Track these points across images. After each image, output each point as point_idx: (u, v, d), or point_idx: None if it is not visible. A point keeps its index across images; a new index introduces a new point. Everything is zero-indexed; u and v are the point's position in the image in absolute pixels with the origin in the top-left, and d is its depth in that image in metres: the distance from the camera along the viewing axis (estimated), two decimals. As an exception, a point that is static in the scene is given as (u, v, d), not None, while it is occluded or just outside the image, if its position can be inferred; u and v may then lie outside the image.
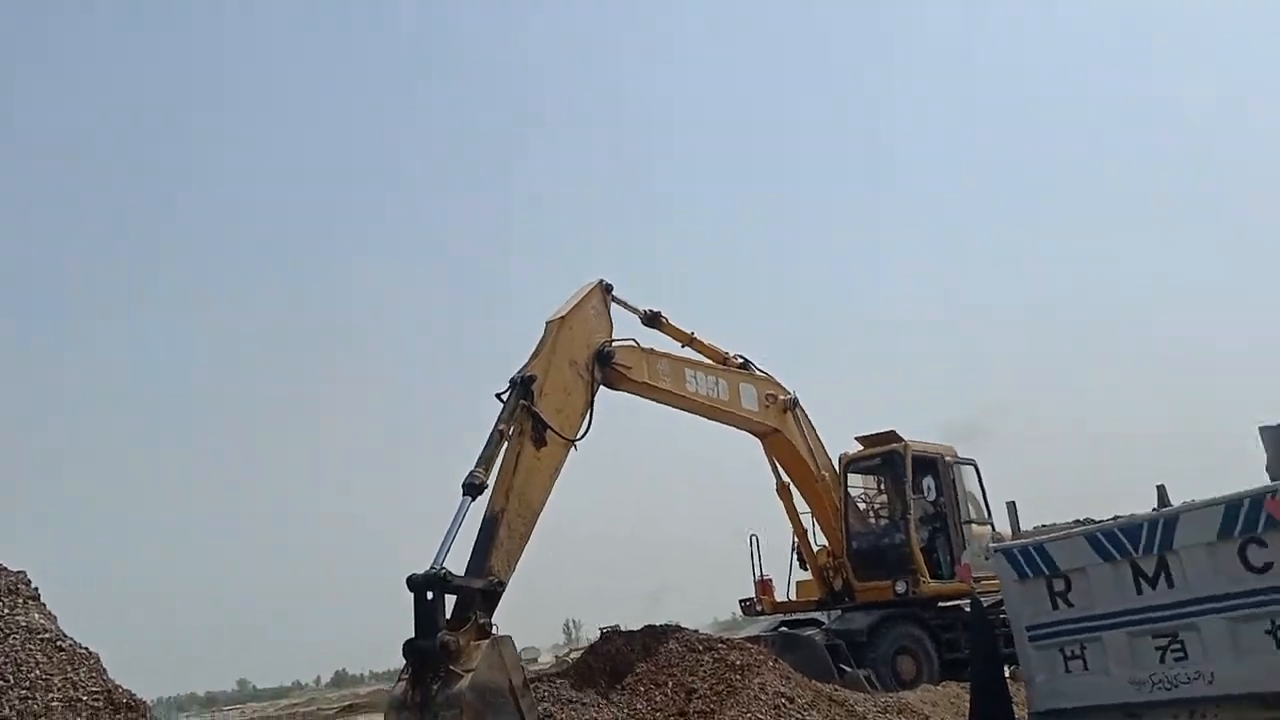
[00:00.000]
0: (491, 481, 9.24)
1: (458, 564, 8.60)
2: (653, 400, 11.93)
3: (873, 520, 15.20)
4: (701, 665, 9.28)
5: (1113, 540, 6.20)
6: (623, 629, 10.72)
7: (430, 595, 8.10)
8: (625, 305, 12.13)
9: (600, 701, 8.90)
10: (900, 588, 13.44)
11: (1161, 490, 8.57)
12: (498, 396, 9.91)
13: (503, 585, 8.97)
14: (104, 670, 6.05)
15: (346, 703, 57.17)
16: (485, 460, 9.32)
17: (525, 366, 10.21)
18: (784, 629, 13.92)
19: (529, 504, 9.66)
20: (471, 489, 9.16)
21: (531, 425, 9.70)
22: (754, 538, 15.18)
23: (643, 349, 11.66)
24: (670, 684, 9.01)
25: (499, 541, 9.13)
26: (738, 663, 9.25)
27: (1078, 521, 7.15)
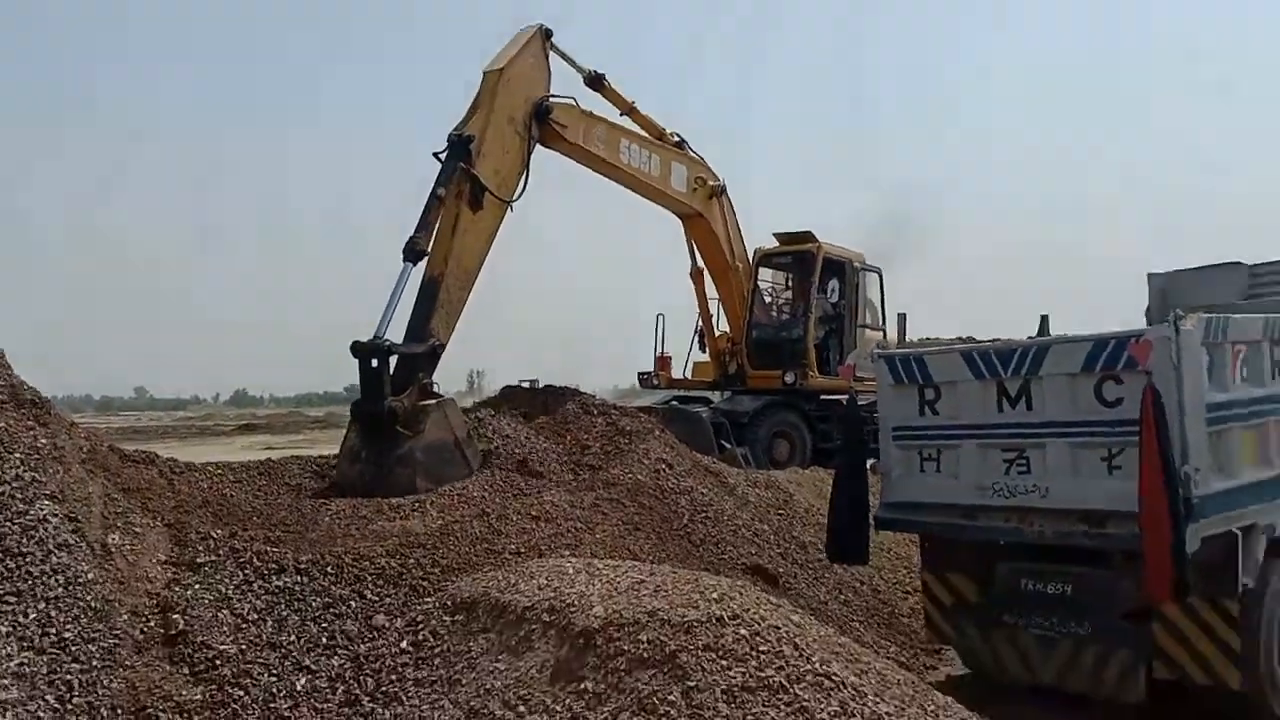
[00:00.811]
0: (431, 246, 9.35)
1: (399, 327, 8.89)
2: (584, 165, 11.88)
3: (775, 314, 15.76)
4: (595, 426, 9.83)
5: (986, 360, 6.65)
6: (540, 384, 11.18)
7: (375, 362, 8.40)
8: (567, 59, 11.80)
9: (529, 433, 9.43)
10: (789, 378, 14.16)
11: (1044, 319, 9.15)
12: (435, 156, 9.77)
13: (443, 346, 9.32)
14: (9, 366, 6.07)
15: (244, 422, 58.26)
16: (424, 225, 9.36)
17: (463, 123, 9.99)
18: (675, 403, 14.63)
19: (466, 267, 9.80)
20: (412, 254, 9.27)
21: (469, 188, 9.66)
22: (660, 316, 15.68)
23: (581, 110, 11.48)
24: (568, 438, 9.56)
25: (439, 304, 9.36)
26: (628, 428, 9.83)
27: (960, 339, 7.64)
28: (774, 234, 15.62)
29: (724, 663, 4.21)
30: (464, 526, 6.74)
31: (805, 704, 4.00)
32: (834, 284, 15.20)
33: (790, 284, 15.96)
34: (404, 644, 5.37)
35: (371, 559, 6.10)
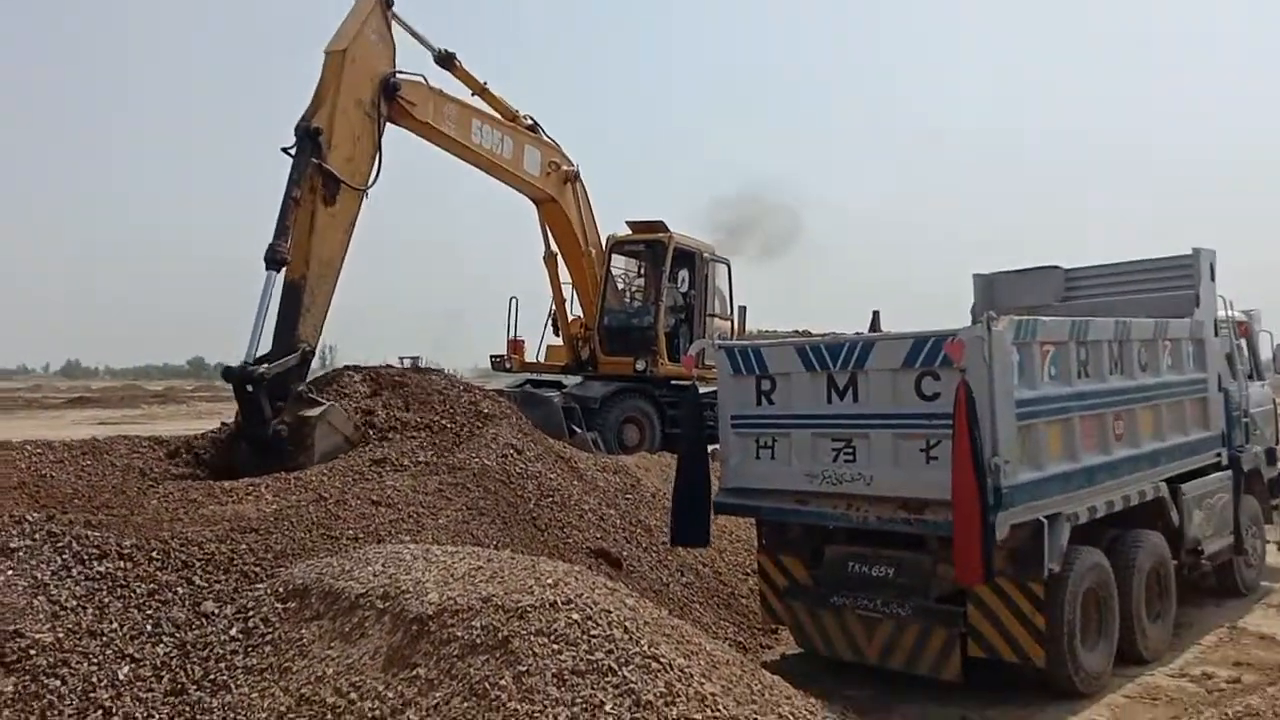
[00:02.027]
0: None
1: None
2: (436, 145, 11.71)
3: (627, 301, 15.95)
4: (460, 405, 9.74)
5: (817, 354, 6.94)
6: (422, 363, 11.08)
7: (250, 387, 8.44)
8: (415, 34, 11.56)
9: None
10: (640, 365, 14.38)
11: (875, 315, 9.59)
12: (285, 151, 9.43)
13: (313, 350, 9.14)
14: None
15: (76, 395, 55.01)
16: (283, 230, 9.09)
17: (309, 112, 9.67)
18: (528, 387, 14.64)
19: (328, 265, 9.57)
20: (274, 263, 9.01)
21: (323, 182, 9.39)
22: (514, 300, 15.66)
23: (431, 88, 11.28)
24: (434, 414, 9.44)
25: (304, 309, 9.15)
26: (485, 411, 9.79)
27: (796, 332, 7.95)
28: (626, 222, 15.80)
29: (555, 647, 4.29)
30: (300, 511, 6.61)
31: (632, 685, 4.12)
32: (684, 274, 15.50)
33: (642, 272, 16.17)
34: (233, 631, 5.25)
35: (200, 544, 5.92)
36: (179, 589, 5.57)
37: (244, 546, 6.05)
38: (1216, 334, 9.10)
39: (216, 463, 8.87)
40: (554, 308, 15.61)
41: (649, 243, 15.50)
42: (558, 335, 15.79)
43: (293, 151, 9.34)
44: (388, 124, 10.50)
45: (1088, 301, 9.66)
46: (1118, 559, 7.24)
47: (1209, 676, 7.15)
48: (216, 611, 5.44)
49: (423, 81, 11.07)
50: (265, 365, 8.63)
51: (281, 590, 5.38)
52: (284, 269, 9.05)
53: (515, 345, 15.74)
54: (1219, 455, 8.98)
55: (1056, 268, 10.21)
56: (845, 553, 7.27)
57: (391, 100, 10.42)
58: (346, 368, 10.47)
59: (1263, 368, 10.81)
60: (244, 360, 8.65)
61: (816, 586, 7.38)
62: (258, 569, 5.90)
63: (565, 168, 14.02)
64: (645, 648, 4.37)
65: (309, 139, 9.31)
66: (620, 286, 15.91)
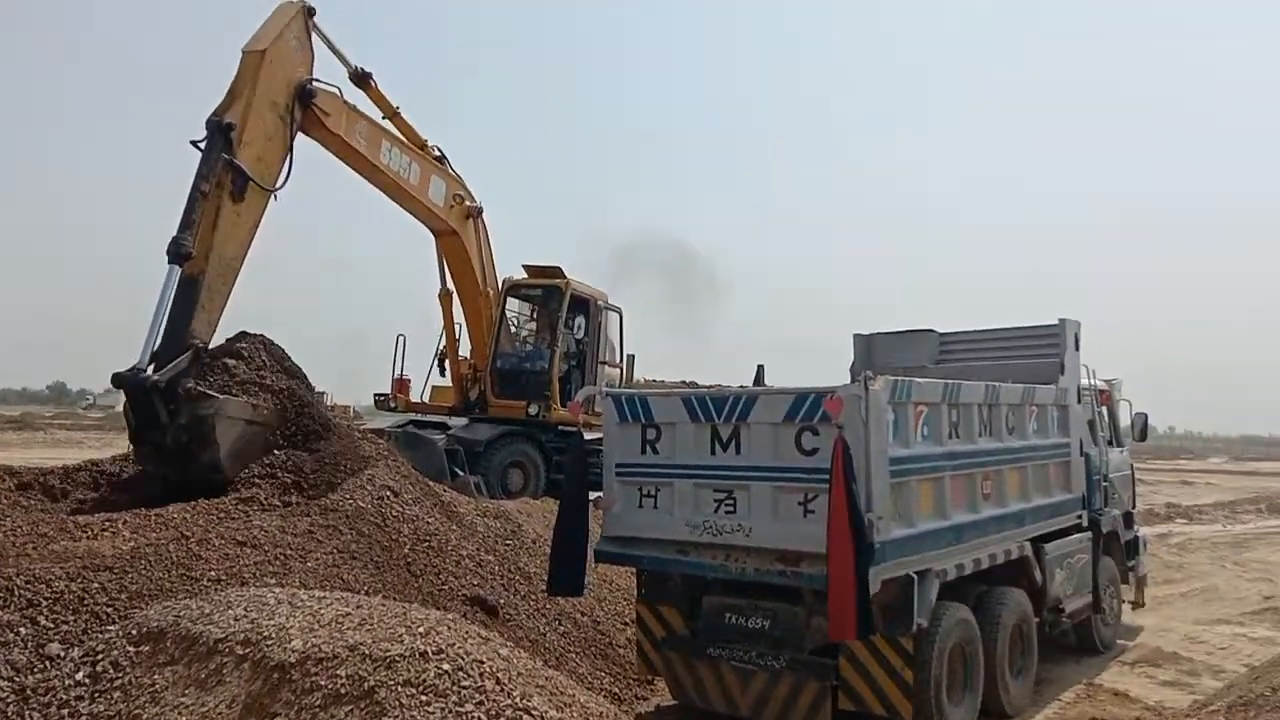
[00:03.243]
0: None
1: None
2: (343, 160, 11.61)
3: (520, 344, 15.87)
4: (331, 444, 9.41)
5: (703, 405, 7.01)
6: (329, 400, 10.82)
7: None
8: (333, 48, 11.48)
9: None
10: (533, 410, 14.31)
11: (760, 369, 9.75)
12: (194, 144, 9.25)
13: (206, 347, 8.86)
14: None
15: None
16: (188, 224, 8.93)
17: (222, 107, 9.52)
18: (411, 428, 14.38)
19: (228, 262, 9.36)
20: (177, 256, 8.81)
21: (231, 178, 9.23)
22: (401, 337, 15.43)
23: (345, 101, 11.26)
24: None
25: (200, 305, 8.93)
26: (363, 452, 9.52)
27: (684, 382, 8.02)
28: (523, 265, 15.78)
29: (424, 698, 4.17)
30: (159, 550, 6.29)
31: (502, 739, 4.03)
32: (579, 320, 15.52)
33: (535, 316, 16.14)
34: (80, 675, 4.96)
35: (48, 581, 5.59)
36: (21, 629, 5.25)
37: (96, 585, 5.73)
38: (1079, 401, 9.54)
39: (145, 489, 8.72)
40: (444, 347, 15.42)
41: (546, 288, 15.50)
42: (444, 375, 15.58)
43: (202, 145, 9.16)
44: (299, 134, 10.35)
45: (960, 365, 10.04)
46: (983, 615, 7.47)
47: (1066, 732, 7.40)
48: (62, 654, 5.14)
49: (338, 94, 10.98)
50: (154, 370, 8.46)
51: (135, 633, 5.11)
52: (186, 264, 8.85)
53: (401, 384, 15.47)
54: (1080, 517, 9.38)
55: (931, 331, 10.59)
56: (723, 604, 7.30)
57: (306, 107, 10.31)
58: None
59: (1121, 435, 11.38)
60: (136, 363, 8.48)
61: (693, 637, 7.39)
62: (110, 610, 5.59)
63: (469, 203, 13.98)
64: (517, 700, 4.28)
65: (220, 133, 9.19)
66: (513, 330, 15.83)
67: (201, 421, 8.35)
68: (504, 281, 15.35)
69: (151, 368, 8.52)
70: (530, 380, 14.83)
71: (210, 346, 9.05)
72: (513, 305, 15.79)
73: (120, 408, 9.14)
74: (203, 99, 9.91)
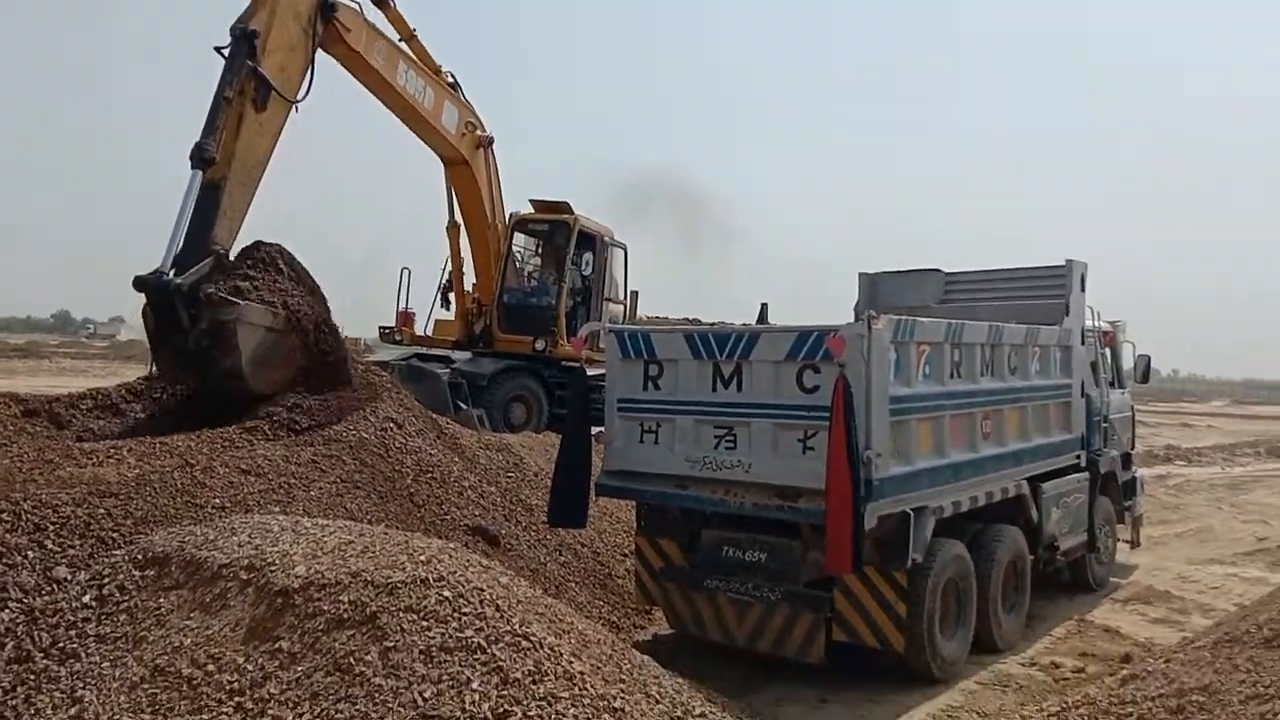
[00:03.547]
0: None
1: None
2: (360, 80, 11.55)
3: (526, 279, 15.84)
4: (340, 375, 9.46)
5: (705, 343, 7.03)
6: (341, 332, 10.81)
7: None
8: None
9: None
10: (540, 345, 14.35)
11: (763, 307, 9.75)
12: (218, 50, 9.19)
13: (227, 253, 8.85)
14: None
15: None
16: (212, 129, 8.92)
17: (246, 16, 9.45)
18: (415, 360, 14.42)
19: (250, 169, 9.36)
20: (200, 161, 8.80)
21: (255, 85, 9.17)
22: (406, 270, 15.38)
23: (365, 19, 11.20)
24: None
25: (221, 211, 8.92)
26: (370, 381, 9.59)
27: (687, 319, 8.03)
28: (530, 201, 15.66)
29: (425, 624, 4.25)
30: (163, 477, 6.36)
31: (501, 663, 4.11)
32: (586, 256, 15.47)
33: (541, 252, 16.07)
34: (86, 598, 5.04)
35: (55, 507, 5.66)
36: (29, 553, 5.32)
37: (102, 511, 5.80)
38: (1083, 342, 9.54)
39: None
40: (448, 280, 15.39)
41: (554, 223, 15.41)
42: (448, 309, 15.58)
43: (226, 52, 9.11)
44: (318, 50, 10.29)
45: (965, 305, 10.01)
46: (978, 552, 7.56)
47: (1056, 666, 7.54)
48: (69, 578, 5.22)
49: (359, 10, 10.88)
50: (175, 274, 8.43)
51: (140, 557, 5.18)
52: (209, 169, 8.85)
53: (405, 317, 15.49)
54: (1078, 457, 9.44)
55: (937, 271, 10.55)
56: (721, 537, 7.39)
57: (328, 21, 10.19)
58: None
59: (1124, 376, 11.40)
60: (159, 266, 8.46)
61: (691, 569, 7.50)
62: (116, 535, 5.67)
63: (480, 132, 13.89)
64: (516, 626, 4.36)
65: (245, 40, 9.13)
66: (519, 265, 15.78)
67: (223, 327, 8.32)
68: (511, 216, 15.26)
69: (173, 271, 8.48)
70: (536, 315, 14.83)
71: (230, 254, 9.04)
72: (519, 240, 15.72)
73: (122, 334, 9.19)
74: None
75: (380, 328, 15.70)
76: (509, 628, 4.34)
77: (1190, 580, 10.59)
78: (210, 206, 8.84)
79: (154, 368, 9.34)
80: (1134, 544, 11.32)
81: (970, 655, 7.40)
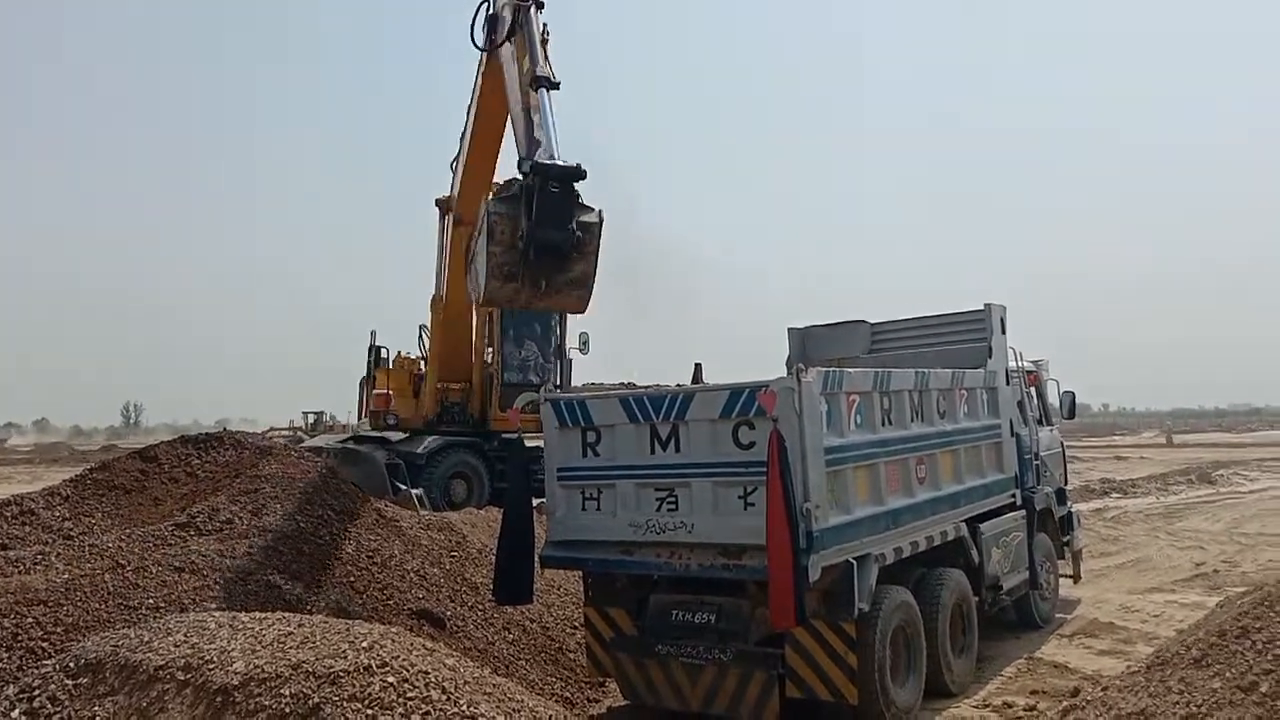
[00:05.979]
0: None
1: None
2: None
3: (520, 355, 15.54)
4: (265, 468, 9.31)
5: (640, 406, 7.09)
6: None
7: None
8: None
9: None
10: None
11: (698, 367, 9.85)
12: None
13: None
14: None
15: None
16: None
17: None
18: (350, 444, 14.23)
19: None
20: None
21: None
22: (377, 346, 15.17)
23: None
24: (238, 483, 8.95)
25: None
26: (293, 475, 9.40)
27: (623, 383, 8.09)
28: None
29: (370, 712, 4.17)
30: (94, 580, 6.18)
31: (450, 747, 4.05)
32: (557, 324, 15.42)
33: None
34: (15, 713, 4.85)
35: (-20, 620, 5.47)
36: (-47, 670, 5.12)
37: (30, 620, 5.62)
38: (1008, 383, 9.80)
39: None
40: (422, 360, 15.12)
41: None
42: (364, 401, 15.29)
43: None
44: None
45: (892, 353, 10.25)
46: (924, 597, 7.64)
47: (1009, 706, 7.60)
48: (-4, 692, 5.02)
49: None
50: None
51: (72, 665, 5.00)
52: None
53: (383, 399, 15.24)
54: (1013, 496, 9.63)
55: (863, 322, 10.79)
56: (669, 601, 7.37)
57: None
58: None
59: (1050, 414, 11.70)
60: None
61: (642, 636, 7.45)
62: (46, 644, 5.50)
63: None
64: (464, 707, 4.30)
65: None
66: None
67: (589, 229, 8.05)
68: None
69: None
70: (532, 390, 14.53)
71: None
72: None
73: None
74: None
75: (374, 411, 15.24)
76: (456, 710, 4.27)
77: (1133, 610, 10.78)
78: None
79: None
80: (1075, 578, 11.51)
81: (924, 701, 7.43)
